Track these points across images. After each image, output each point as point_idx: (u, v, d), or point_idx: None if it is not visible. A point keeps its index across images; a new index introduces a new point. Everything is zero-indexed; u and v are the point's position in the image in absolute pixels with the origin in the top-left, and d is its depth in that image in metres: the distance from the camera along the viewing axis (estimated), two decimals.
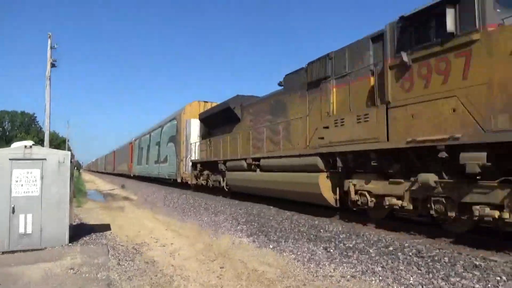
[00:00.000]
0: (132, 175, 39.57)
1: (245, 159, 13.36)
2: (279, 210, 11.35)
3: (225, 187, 15.76)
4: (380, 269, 5.22)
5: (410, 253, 5.77)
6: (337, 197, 9.13)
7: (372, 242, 6.62)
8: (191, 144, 20.34)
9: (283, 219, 9.43)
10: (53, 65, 21.34)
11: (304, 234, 7.67)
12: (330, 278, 4.99)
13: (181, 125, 22.06)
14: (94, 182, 41.81)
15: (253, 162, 12.88)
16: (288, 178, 10.61)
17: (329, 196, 9.18)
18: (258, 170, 12.57)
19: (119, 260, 6.02)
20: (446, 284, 4.50)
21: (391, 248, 6.11)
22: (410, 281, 4.67)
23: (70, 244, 7.00)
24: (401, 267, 5.21)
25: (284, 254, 6.35)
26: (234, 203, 13.67)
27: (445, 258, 5.39)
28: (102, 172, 75.76)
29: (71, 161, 7.34)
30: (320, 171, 9.35)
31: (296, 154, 10.30)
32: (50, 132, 22.90)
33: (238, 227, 8.92)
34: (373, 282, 4.77)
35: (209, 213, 11.60)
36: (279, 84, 12.30)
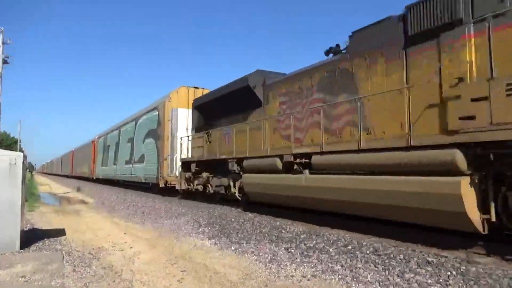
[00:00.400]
0: (94, 178, 35.26)
1: (280, 156, 9.52)
2: (241, 212, 11.35)
3: (237, 194, 11.75)
4: (339, 267, 5.36)
5: (368, 251, 5.97)
6: (491, 217, 5.42)
7: (332, 241, 6.78)
8: (181, 138, 16.52)
9: (245, 221, 9.45)
10: (5, 62, 20.26)
11: (266, 235, 7.73)
12: (291, 278, 5.06)
13: (165, 116, 18.08)
14: (48, 185, 39.92)
15: (297, 161, 8.95)
16: (384, 185, 6.65)
17: (475, 216, 5.53)
18: (306, 171, 8.73)
19: (75, 266, 5.78)
20: (401, 280, 4.68)
21: (349, 247, 6.29)
22: (368, 279, 4.82)
23: (21, 250, 6.63)
24: (359, 265, 5.37)
25: (246, 255, 6.36)
26: (195, 205, 13.53)
27: (400, 255, 5.62)
28: (58, 175, 72.39)
29: (23, 163, 6.97)
30: (459, 173, 5.65)
31: (400, 146, 6.52)
32: (0, 132, 21.63)
33: (200, 230, 8.84)
34: (333, 280, 4.89)
35: (170, 215, 11.40)
36: (329, 53, 8.97)
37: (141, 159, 21.25)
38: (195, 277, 5.22)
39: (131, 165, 23.27)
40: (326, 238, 7.04)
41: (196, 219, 10.23)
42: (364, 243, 6.44)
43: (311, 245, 6.66)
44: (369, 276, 4.90)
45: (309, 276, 5.10)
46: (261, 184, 10.19)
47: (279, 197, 9.82)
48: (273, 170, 9.76)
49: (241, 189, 11.54)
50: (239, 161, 11.46)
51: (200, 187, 14.29)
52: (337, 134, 8.21)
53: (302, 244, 6.75)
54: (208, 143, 14.13)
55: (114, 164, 27.82)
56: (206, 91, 17.11)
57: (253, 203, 11.35)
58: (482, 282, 4.39)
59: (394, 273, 4.94)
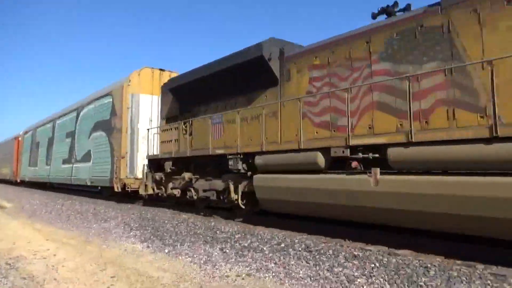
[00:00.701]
0: (18, 181, 30.42)
1: (324, 150, 7.04)
2: (174, 213, 11.15)
3: (240, 202, 9.04)
4: (273, 265, 5.48)
5: (300, 248, 6.19)
6: None
7: (266, 240, 6.93)
8: (148, 130, 13.37)
9: (179, 222, 9.29)
10: None
11: (201, 236, 7.67)
12: (226, 278, 5.07)
13: (123, 103, 14.79)
14: None
15: (357, 156, 6.62)
16: None
17: None
18: (376, 170, 6.13)
19: None
20: (330, 274, 4.92)
21: (283, 245, 6.48)
22: (300, 275, 5.00)
23: None
24: (292, 262, 5.55)
25: (180, 257, 6.26)
26: (127, 208, 13.01)
27: (329, 251, 5.91)
28: None
29: None
30: None
31: None
32: None
33: (131, 233, 8.52)
34: (267, 278, 4.99)
35: (98, 219, 10.84)
36: (378, 15, 7.28)
37: (86, 158, 17.70)
38: (126, 282, 5.03)
39: (70, 165, 19.41)
40: (260, 237, 7.17)
41: (127, 222, 9.85)
42: (297, 241, 6.67)
43: (246, 244, 6.74)
44: (301, 272, 5.08)
45: (243, 275, 5.16)
46: (288, 188, 7.58)
47: (321, 207, 7.11)
48: (307, 169, 7.34)
49: (245, 195, 9.03)
50: (246, 157, 8.95)
51: (177, 192, 11.53)
52: (419, 118, 5.91)
53: (237, 244, 6.80)
54: (185, 135, 11.33)
55: (47, 164, 23.62)
56: (174, 75, 14.36)
57: (262, 213, 9.09)
58: (402, 272, 4.77)
59: (324, 268, 5.17)
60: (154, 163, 12.79)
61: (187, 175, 10.88)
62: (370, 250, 5.84)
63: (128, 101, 14.78)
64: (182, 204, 11.96)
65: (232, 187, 9.22)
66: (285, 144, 7.98)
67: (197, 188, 10.62)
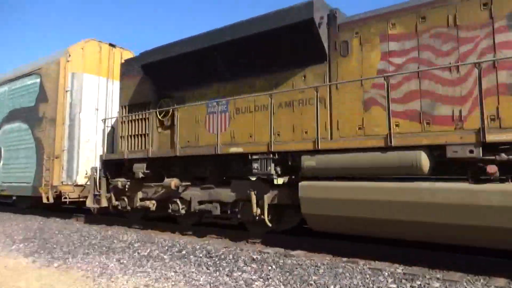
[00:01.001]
0: None
1: (430, 148, 5.31)
2: (67, 222, 10.31)
3: (266, 217, 6.86)
4: (173, 273, 5.42)
5: (201, 255, 6.22)
6: None
7: (166, 248, 6.82)
8: (104, 121, 10.16)
9: (72, 232, 8.64)
10: None
11: (96, 246, 7.24)
12: None
13: (60, 84, 11.32)
14: None
15: (502, 157, 4.80)
16: None
17: None
18: None
19: None
20: (230, 279, 5.04)
21: (184, 252, 6.44)
22: (200, 282, 5.03)
23: None
24: (192, 269, 5.55)
25: (72, 271, 5.82)
26: (10, 218, 11.65)
27: (230, 255, 6.05)
28: None
29: None
30: None
31: None
32: None
33: (14, 247, 7.66)
34: (166, 287, 4.92)
35: None
36: None
37: None
38: None
39: None
40: (161, 245, 7.03)
41: (9, 235, 8.83)
42: (198, 247, 6.69)
43: (145, 253, 6.55)
44: (201, 279, 5.11)
45: (141, 286, 5.01)
46: (372, 202, 5.50)
47: (431, 229, 5.10)
48: (396, 175, 5.52)
49: (273, 208, 7.02)
50: (286, 157, 6.75)
51: (152, 204, 8.79)
52: None
53: (136, 253, 6.57)
54: (160, 128, 8.94)
55: None
56: (128, 54, 12.04)
57: (287, 232, 7.24)
58: (295, 272, 5.11)
59: (224, 273, 5.28)
60: (111, 166, 9.82)
61: (173, 182, 8.14)
62: (268, 253, 6.13)
63: (68, 82, 11.29)
64: (154, 219, 9.51)
65: (254, 198, 6.98)
66: (340, 141, 6.15)
67: (186, 199, 8.19)
